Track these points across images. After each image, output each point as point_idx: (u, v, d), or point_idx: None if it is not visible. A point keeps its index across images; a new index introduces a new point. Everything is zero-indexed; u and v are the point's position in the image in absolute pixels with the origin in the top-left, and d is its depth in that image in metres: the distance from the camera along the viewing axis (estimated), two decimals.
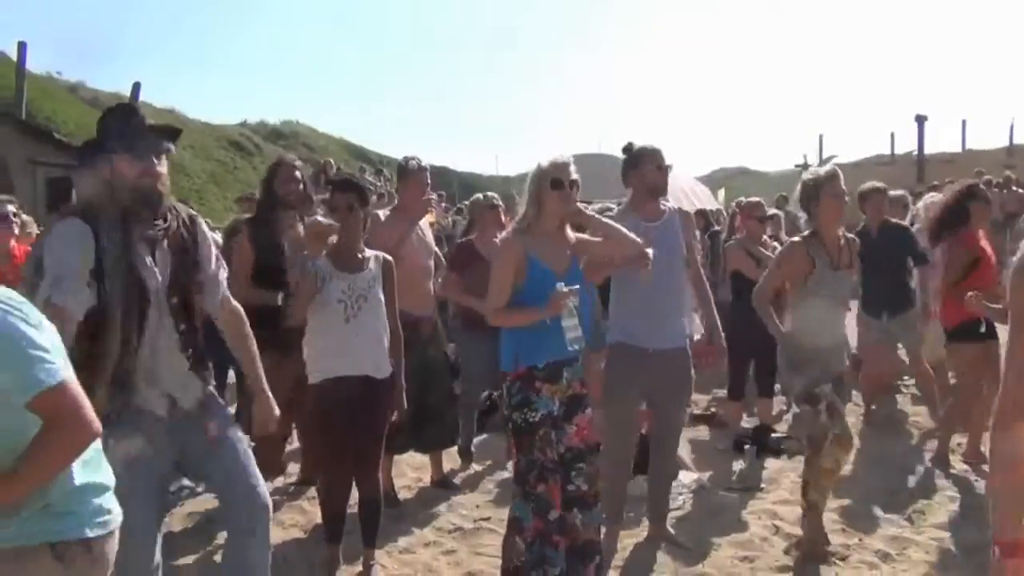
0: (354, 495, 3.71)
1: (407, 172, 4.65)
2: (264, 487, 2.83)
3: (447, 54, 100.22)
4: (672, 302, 3.90)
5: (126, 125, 2.57)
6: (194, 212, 2.86)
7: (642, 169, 3.85)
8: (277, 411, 2.93)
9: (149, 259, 2.58)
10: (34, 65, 18.26)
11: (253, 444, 4.46)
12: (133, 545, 2.45)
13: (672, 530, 4.16)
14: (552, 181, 3.20)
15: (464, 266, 5.18)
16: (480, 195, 5.63)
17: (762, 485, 4.99)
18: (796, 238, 3.96)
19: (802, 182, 3.88)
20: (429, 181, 4.75)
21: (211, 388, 2.81)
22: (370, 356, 3.57)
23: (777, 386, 6.02)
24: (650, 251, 3.43)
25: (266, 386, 2.91)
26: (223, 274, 2.87)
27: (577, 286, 3.15)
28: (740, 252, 6.01)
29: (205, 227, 2.82)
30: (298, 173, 4.43)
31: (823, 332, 3.79)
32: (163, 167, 2.60)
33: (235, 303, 2.90)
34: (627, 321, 3.80)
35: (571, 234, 3.36)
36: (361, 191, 3.64)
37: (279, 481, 4.86)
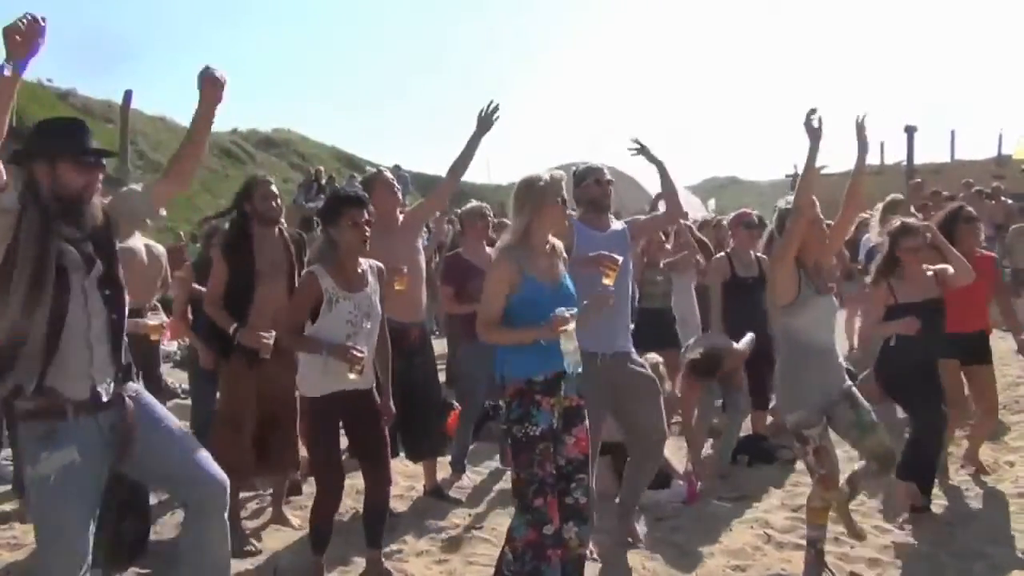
0: (345, 505, 3.69)
1: (372, 180, 4.67)
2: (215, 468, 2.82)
3: (438, 62, 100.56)
4: (618, 307, 3.96)
5: (81, 135, 2.60)
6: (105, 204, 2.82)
7: (583, 184, 4.19)
8: None
9: (72, 249, 2.56)
10: (25, 72, 18.14)
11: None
12: (62, 544, 2.52)
13: (639, 529, 4.22)
14: (560, 197, 3.22)
15: (457, 279, 5.21)
16: (475, 203, 5.63)
17: (755, 494, 4.99)
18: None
19: (777, 209, 3.92)
20: (398, 184, 4.76)
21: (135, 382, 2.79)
22: (367, 371, 3.58)
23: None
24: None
25: None
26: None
27: (576, 310, 3.12)
28: (722, 263, 5.92)
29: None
30: (274, 189, 4.37)
31: (817, 350, 3.71)
32: (99, 185, 2.66)
33: None
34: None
35: (559, 244, 3.37)
36: (369, 208, 3.61)
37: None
